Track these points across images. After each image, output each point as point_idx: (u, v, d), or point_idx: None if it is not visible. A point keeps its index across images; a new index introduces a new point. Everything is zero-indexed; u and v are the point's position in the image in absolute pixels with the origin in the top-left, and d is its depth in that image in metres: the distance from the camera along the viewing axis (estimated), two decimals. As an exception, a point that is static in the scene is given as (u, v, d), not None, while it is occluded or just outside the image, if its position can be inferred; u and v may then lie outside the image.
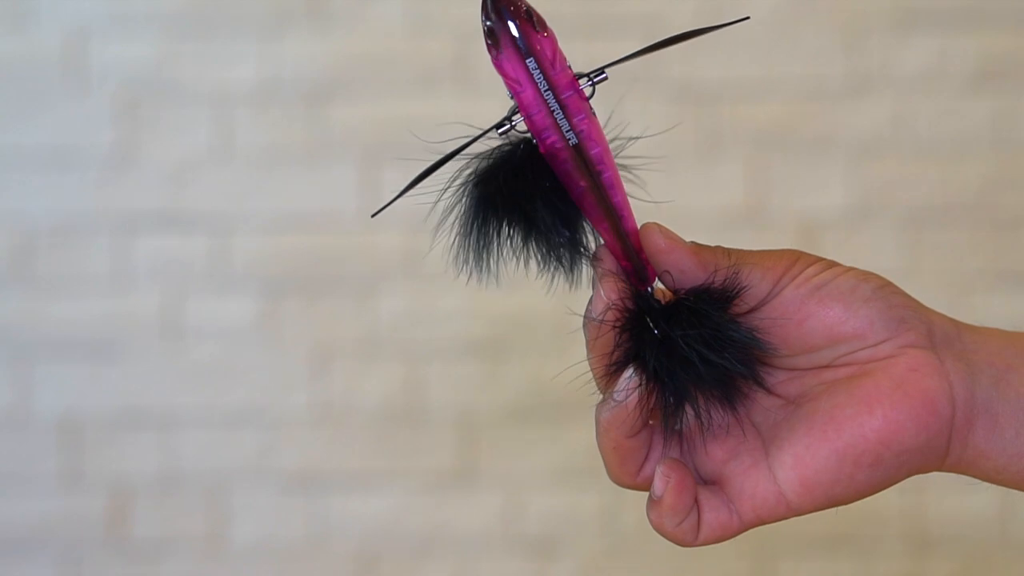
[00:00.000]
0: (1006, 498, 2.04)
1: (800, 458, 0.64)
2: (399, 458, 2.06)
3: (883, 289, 0.67)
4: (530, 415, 2.04)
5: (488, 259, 0.68)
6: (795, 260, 0.67)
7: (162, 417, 2.06)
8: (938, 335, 0.66)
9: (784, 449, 0.64)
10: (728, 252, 0.67)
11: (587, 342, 0.66)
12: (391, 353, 2.06)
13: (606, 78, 0.68)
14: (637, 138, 0.70)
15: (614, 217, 0.67)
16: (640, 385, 0.63)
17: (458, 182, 0.67)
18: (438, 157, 0.66)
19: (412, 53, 2.07)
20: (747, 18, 0.73)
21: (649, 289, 0.66)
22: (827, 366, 0.66)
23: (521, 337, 2.05)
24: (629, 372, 0.63)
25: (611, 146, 0.68)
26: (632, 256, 0.66)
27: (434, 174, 0.67)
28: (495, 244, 0.68)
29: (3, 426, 2.06)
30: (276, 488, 2.06)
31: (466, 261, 0.67)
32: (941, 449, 0.64)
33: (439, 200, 0.66)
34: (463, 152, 0.66)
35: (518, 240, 0.68)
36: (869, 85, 2.04)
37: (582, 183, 0.67)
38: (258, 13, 2.08)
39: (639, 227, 0.68)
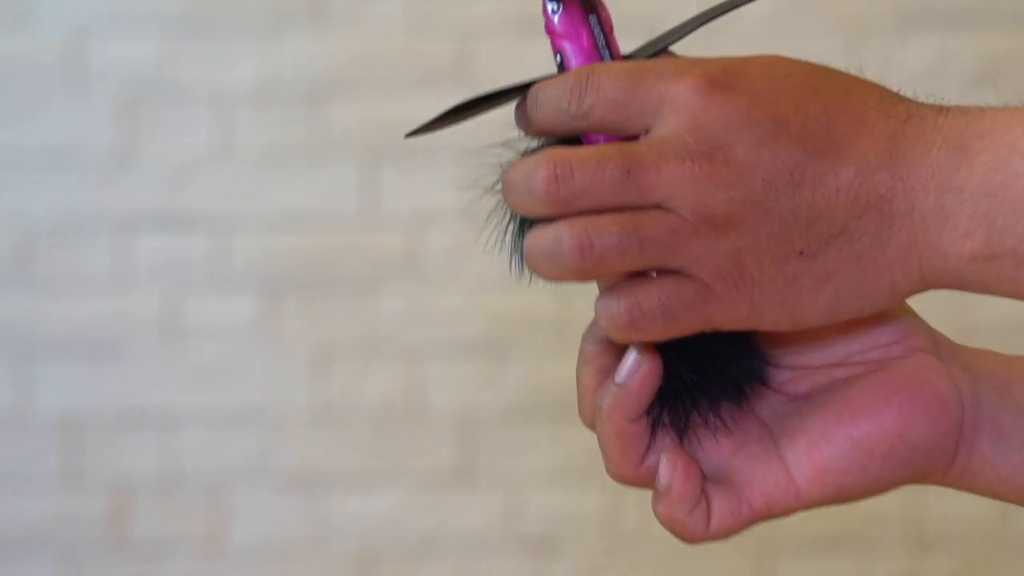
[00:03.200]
0: (1006, 498, 2.04)
1: (815, 443, 0.64)
2: (399, 458, 2.07)
3: None
4: (530, 415, 2.04)
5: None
6: None
7: (162, 417, 2.06)
8: (942, 346, 0.67)
9: (797, 436, 0.64)
10: None
11: (587, 353, 0.65)
12: (391, 353, 2.06)
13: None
14: None
15: None
16: (644, 364, 0.63)
17: (496, 184, 0.66)
18: (479, 94, 0.66)
19: (412, 53, 2.07)
20: None
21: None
22: (838, 364, 0.66)
23: (521, 337, 2.05)
24: (633, 354, 0.63)
25: None
26: None
27: (472, 114, 0.67)
28: None
29: (3, 426, 2.06)
30: (276, 488, 2.06)
31: (513, 258, 0.67)
32: (949, 451, 0.65)
33: (482, 202, 0.66)
34: (509, 97, 0.66)
35: None
36: (869, 85, 2.04)
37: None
38: (258, 13, 2.08)
39: None
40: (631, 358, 0.63)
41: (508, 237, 0.65)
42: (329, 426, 2.07)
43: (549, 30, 0.67)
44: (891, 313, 0.66)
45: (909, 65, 2.05)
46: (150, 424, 2.06)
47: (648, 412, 0.64)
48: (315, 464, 2.06)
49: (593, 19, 0.66)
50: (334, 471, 2.06)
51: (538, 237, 0.59)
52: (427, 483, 2.06)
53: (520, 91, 0.66)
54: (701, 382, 0.64)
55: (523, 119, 0.63)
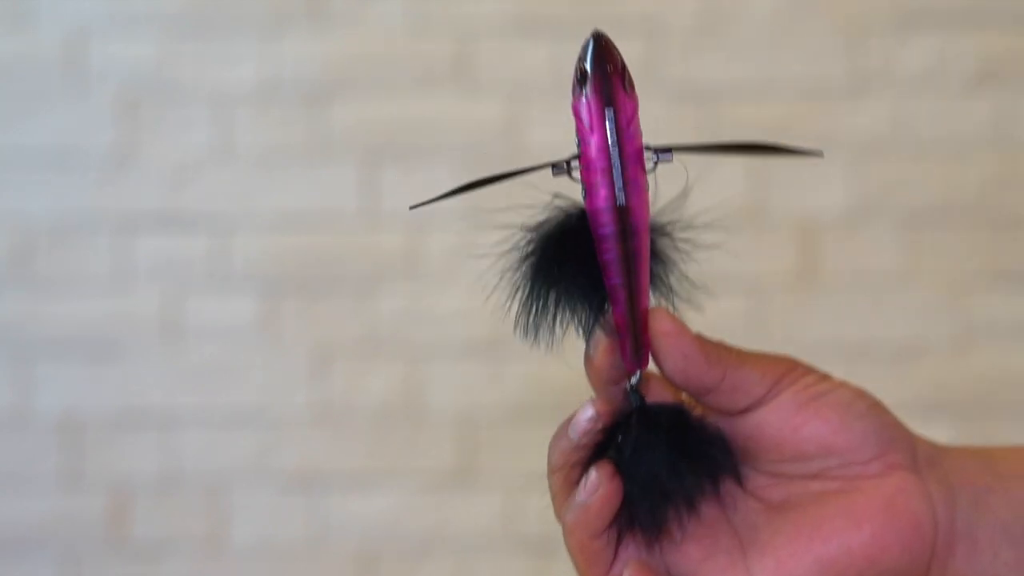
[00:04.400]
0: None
1: (783, 563, 0.64)
2: (399, 458, 2.06)
3: (876, 407, 0.68)
4: (530, 415, 2.04)
5: (543, 325, 0.68)
6: (793, 367, 0.68)
7: (162, 417, 2.06)
8: (922, 457, 0.67)
9: (766, 553, 0.65)
10: (730, 348, 0.68)
11: (553, 463, 0.66)
12: (391, 353, 2.06)
13: (671, 160, 0.69)
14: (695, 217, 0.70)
15: (632, 290, 0.67)
16: (603, 486, 0.63)
17: (514, 252, 0.66)
18: (490, 175, 0.66)
19: (412, 53, 2.07)
20: (821, 154, 0.73)
21: (635, 378, 0.67)
22: (815, 477, 0.66)
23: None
24: (594, 474, 0.63)
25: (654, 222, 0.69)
26: (635, 335, 0.67)
27: (478, 189, 0.67)
28: (548, 311, 0.68)
29: (3, 426, 2.06)
30: (276, 488, 2.06)
31: (525, 328, 0.67)
32: (921, 572, 0.65)
33: (498, 271, 0.67)
34: (517, 177, 0.66)
35: (564, 307, 0.68)
36: (869, 85, 2.04)
37: (615, 248, 0.67)
38: (258, 13, 2.08)
39: (652, 309, 0.68)
40: (591, 478, 0.63)
41: (520, 302, 0.65)
42: (329, 426, 2.06)
43: (574, 111, 0.67)
44: (876, 425, 0.66)
45: (909, 65, 2.05)
46: (150, 424, 2.06)
47: (616, 520, 0.64)
48: (315, 464, 2.06)
49: (609, 113, 0.66)
50: (334, 471, 2.06)
51: None
52: (427, 483, 2.06)
53: (522, 173, 0.66)
54: (670, 493, 0.64)
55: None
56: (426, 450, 2.06)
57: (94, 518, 2.05)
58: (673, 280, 0.68)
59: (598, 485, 0.63)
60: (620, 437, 0.64)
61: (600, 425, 0.65)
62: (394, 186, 2.06)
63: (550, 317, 0.67)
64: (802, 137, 2.05)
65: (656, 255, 0.68)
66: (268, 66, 2.07)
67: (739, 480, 0.65)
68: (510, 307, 0.66)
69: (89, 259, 2.06)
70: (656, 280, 0.68)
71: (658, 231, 0.69)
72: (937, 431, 2.02)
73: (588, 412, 0.66)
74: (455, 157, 2.04)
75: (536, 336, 0.67)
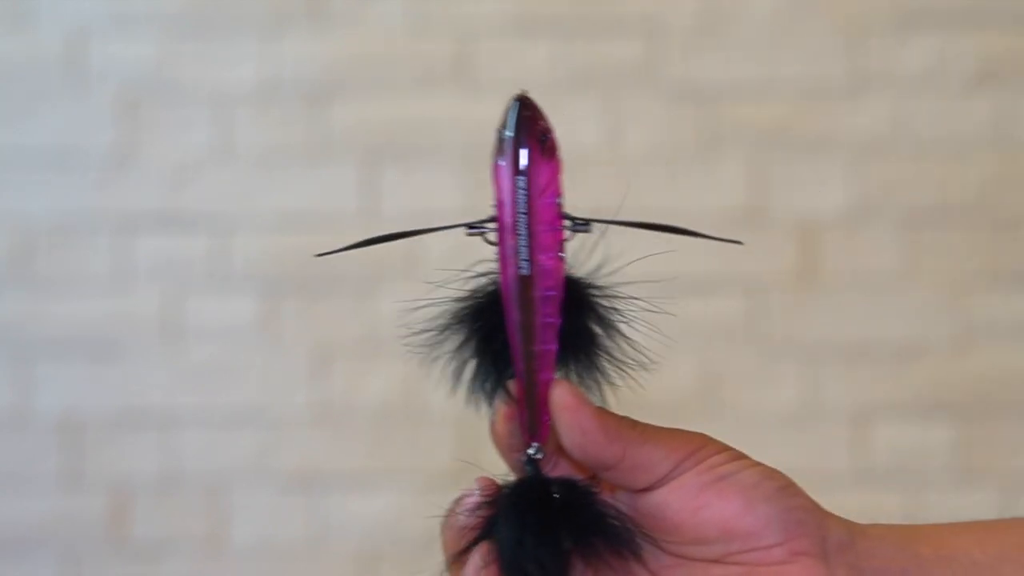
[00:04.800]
0: (1006, 498, 2.04)
1: None
2: (399, 458, 2.06)
3: (785, 490, 0.65)
4: (530, 415, 2.04)
5: (463, 383, 0.68)
6: (701, 445, 0.66)
7: (162, 417, 2.06)
8: (832, 542, 0.65)
9: None
10: (634, 424, 0.66)
11: (444, 539, 0.66)
12: (391, 353, 2.06)
13: (588, 231, 0.66)
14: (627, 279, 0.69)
15: (532, 361, 0.66)
16: (483, 571, 0.63)
17: (439, 315, 0.66)
18: (401, 231, 0.66)
19: (412, 53, 2.07)
20: (740, 243, 0.72)
21: (531, 449, 0.67)
22: (716, 560, 0.64)
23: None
24: (475, 558, 0.64)
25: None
26: (533, 406, 0.66)
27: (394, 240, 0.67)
28: (465, 371, 0.68)
29: (3, 426, 2.06)
30: (276, 488, 2.06)
31: (450, 381, 0.67)
32: None
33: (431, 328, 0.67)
34: (429, 233, 0.66)
35: (477, 370, 0.68)
36: (869, 85, 2.04)
37: (514, 316, 0.66)
38: (258, 13, 2.08)
39: (553, 381, 0.66)
40: (472, 563, 0.63)
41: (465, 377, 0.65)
42: (329, 426, 2.06)
43: (492, 175, 0.67)
44: (782, 508, 0.64)
45: (909, 65, 2.05)
46: (150, 424, 2.06)
47: None
48: (315, 464, 2.06)
49: (521, 181, 0.65)
50: (334, 471, 2.06)
51: None
52: (427, 483, 2.06)
53: (435, 231, 0.67)
54: (543, 572, 0.64)
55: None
56: (426, 450, 2.06)
57: (94, 518, 2.05)
58: (604, 345, 0.67)
59: (478, 570, 0.63)
60: (503, 513, 0.64)
61: (485, 500, 0.65)
62: (394, 186, 2.06)
63: (468, 377, 0.67)
64: (802, 137, 2.05)
65: (587, 319, 0.67)
66: (268, 66, 2.07)
67: (635, 559, 0.64)
68: (436, 360, 0.66)
69: (89, 259, 2.06)
70: (586, 345, 0.67)
71: (587, 296, 0.67)
72: (937, 431, 2.02)
73: (471, 490, 0.66)
74: (455, 157, 2.04)
75: (458, 390, 0.67)
